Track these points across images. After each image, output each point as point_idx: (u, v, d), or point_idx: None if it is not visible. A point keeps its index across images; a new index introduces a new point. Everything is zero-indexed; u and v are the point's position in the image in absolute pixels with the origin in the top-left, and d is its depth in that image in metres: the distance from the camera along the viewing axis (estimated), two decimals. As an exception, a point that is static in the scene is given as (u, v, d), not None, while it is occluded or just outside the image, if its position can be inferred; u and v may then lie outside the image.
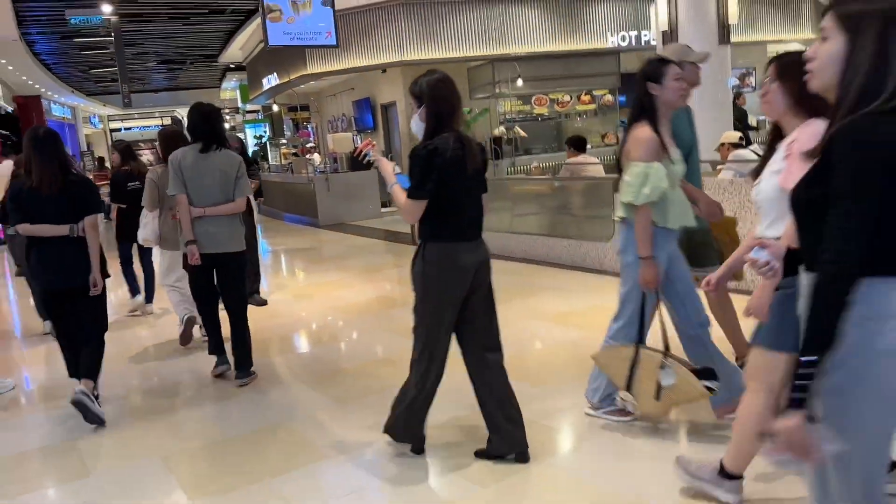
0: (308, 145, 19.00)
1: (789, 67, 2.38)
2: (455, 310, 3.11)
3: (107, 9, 12.76)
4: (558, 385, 4.21)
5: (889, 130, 1.42)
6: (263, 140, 25.92)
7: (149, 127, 37.28)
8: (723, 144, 6.74)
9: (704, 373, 3.18)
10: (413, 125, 3.10)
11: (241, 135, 28.41)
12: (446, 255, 3.03)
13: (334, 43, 9.58)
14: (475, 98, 13.90)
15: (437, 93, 3.01)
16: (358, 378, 4.67)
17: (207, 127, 4.57)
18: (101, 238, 4.21)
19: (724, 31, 8.00)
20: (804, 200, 1.57)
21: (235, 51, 19.55)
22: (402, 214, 3.07)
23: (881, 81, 1.44)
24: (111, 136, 36.42)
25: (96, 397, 4.16)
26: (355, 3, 12.67)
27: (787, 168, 2.27)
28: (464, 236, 3.07)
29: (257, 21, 13.09)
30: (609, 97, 14.26)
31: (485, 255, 3.16)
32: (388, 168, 3.21)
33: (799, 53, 2.37)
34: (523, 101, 13.89)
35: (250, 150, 22.65)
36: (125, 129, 37.06)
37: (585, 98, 14.15)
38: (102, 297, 4.24)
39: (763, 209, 2.47)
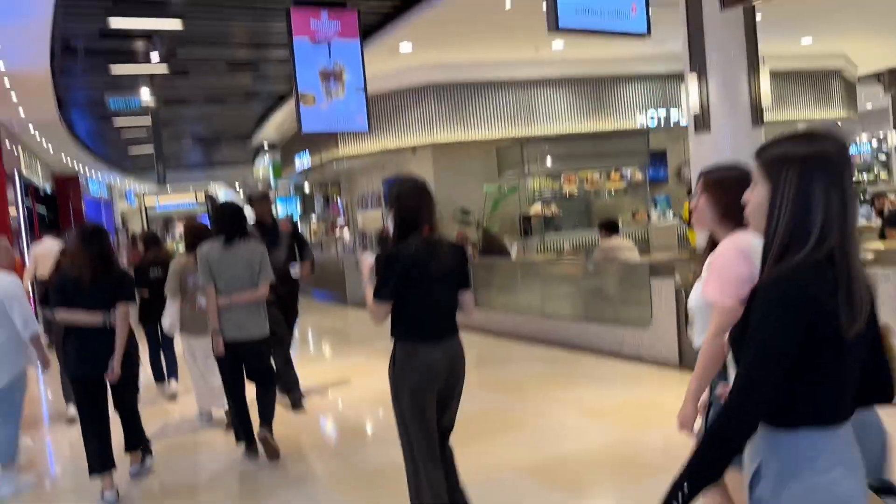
0: (338, 223, 19.16)
1: (716, 182, 2.46)
2: (429, 409, 3.16)
3: (146, 94, 13.18)
4: (598, 494, 3.92)
5: (810, 284, 1.39)
6: (294, 217, 26.23)
7: (183, 204, 38.38)
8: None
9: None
10: (390, 227, 3.26)
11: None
12: (411, 354, 3.14)
13: (366, 128, 9.67)
14: (504, 176, 13.93)
15: (403, 200, 3.21)
16: (388, 481, 4.32)
17: (231, 222, 4.93)
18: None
19: (756, 113, 7.90)
20: (734, 338, 1.53)
21: (269, 131, 20.02)
22: (369, 315, 3.19)
23: (805, 230, 1.43)
24: (146, 211, 37.46)
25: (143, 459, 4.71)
26: (386, 88, 12.92)
27: (706, 279, 2.35)
28: (430, 336, 3.16)
29: (291, 104, 13.46)
30: (639, 175, 14.20)
31: (456, 353, 3.24)
32: (366, 267, 3.28)
33: (728, 167, 2.48)
34: (553, 179, 13.88)
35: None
36: (160, 205, 38.13)
37: (615, 176, 14.11)
38: (131, 383, 4.54)
39: (695, 317, 2.50)
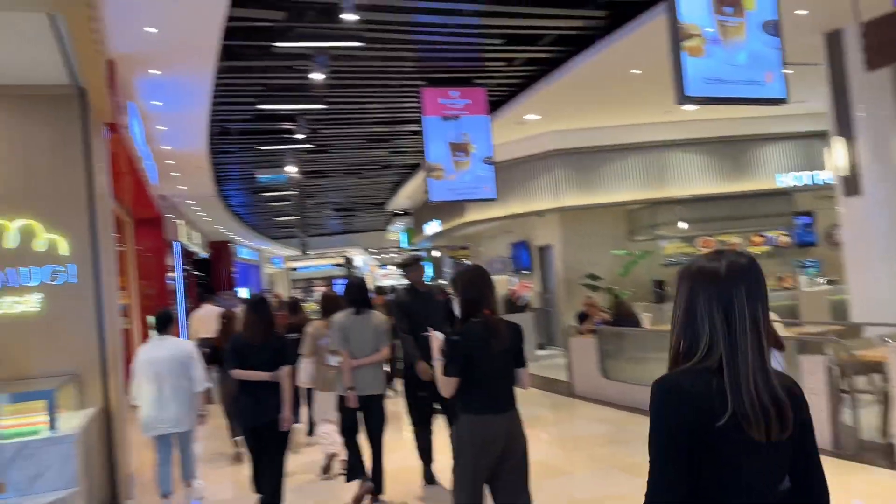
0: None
1: None
2: (484, 475, 3.49)
3: (291, 169, 14.15)
4: None
5: (687, 386, 1.46)
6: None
7: (323, 266, 40.48)
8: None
9: None
10: (455, 309, 3.62)
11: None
12: (473, 425, 3.49)
13: (493, 196, 9.89)
14: (635, 240, 13.58)
15: (466, 287, 3.59)
16: None
17: (359, 295, 5.64)
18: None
19: (917, 174, 7.28)
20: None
21: (402, 198, 20.78)
22: (440, 387, 3.55)
23: (695, 340, 1.51)
24: (290, 273, 39.79)
25: None
26: (512, 155, 13.14)
27: None
28: (491, 409, 3.50)
29: (422, 174, 13.96)
30: (785, 238, 13.36)
31: (514, 426, 3.56)
32: (437, 343, 3.60)
33: None
34: (687, 242, 13.36)
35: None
36: (302, 268, 40.43)
37: (757, 240, 13.37)
38: (289, 432, 5.26)
39: None
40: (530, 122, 11.96)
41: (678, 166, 13.16)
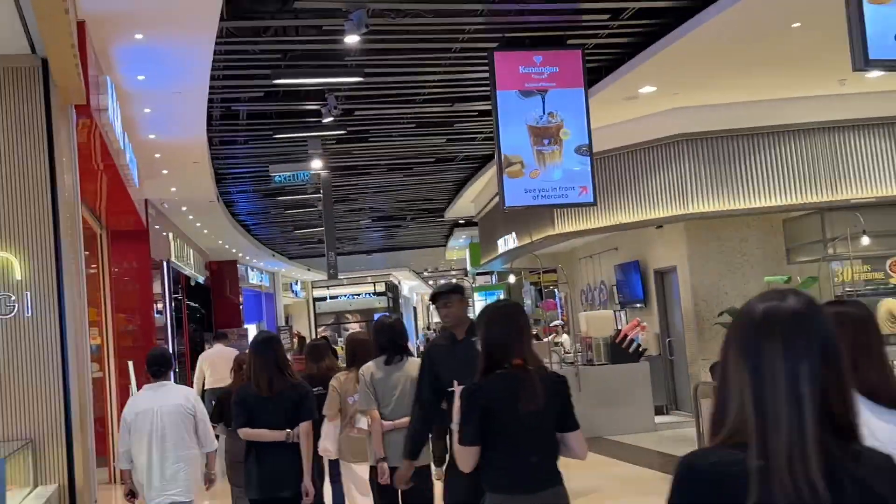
0: (553, 323, 19.21)
1: None
2: None
3: (316, 164, 14.35)
4: None
5: (716, 465, 1.53)
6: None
7: (358, 295, 40.85)
8: None
9: None
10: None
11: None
12: None
13: (591, 200, 9.75)
14: (795, 262, 13.27)
15: (491, 327, 3.75)
16: None
17: (392, 338, 5.77)
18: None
19: None
20: None
21: (466, 204, 20.88)
22: (457, 460, 3.73)
23: (722, 407, 1.59)
24: (315, 306, 40.25)
25: None
26: (618, 143, 13.08)
27: None
28: (521, 488, 3.59)
29: (493, 171, 13.91)
30: None
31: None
32: (457, 403, 3.76)
33: None
34: (872, 265, 12.99)
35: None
36: (331, 297, 40.88)
37: (972, 260, 12.87)
38: None
39: None
40: (644, 97, 11.83)
41: (857, 156, 12.82)
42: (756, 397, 1.51)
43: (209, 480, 6.21)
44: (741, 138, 12.82)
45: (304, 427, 5.47)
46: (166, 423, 5.69)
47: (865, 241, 12.59)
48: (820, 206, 12.80)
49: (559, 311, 21.73)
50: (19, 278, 5.95)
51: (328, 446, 6.59)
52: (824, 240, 12.84)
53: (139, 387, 10.94)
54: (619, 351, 13.61)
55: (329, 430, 6.54)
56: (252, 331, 26.50)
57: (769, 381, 1.51)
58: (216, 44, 8.19)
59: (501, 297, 28.93)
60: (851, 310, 2.57)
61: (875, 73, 11.12)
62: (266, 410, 5.47)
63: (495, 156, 8.26)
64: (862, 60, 5.28)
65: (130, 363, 12.81)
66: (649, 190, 13.15)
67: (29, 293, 5.97)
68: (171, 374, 6.32)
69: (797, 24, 9.06)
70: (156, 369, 5.99)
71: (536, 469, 3.60)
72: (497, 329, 3.73)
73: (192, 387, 8.77)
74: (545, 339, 17.46)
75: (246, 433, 5.50)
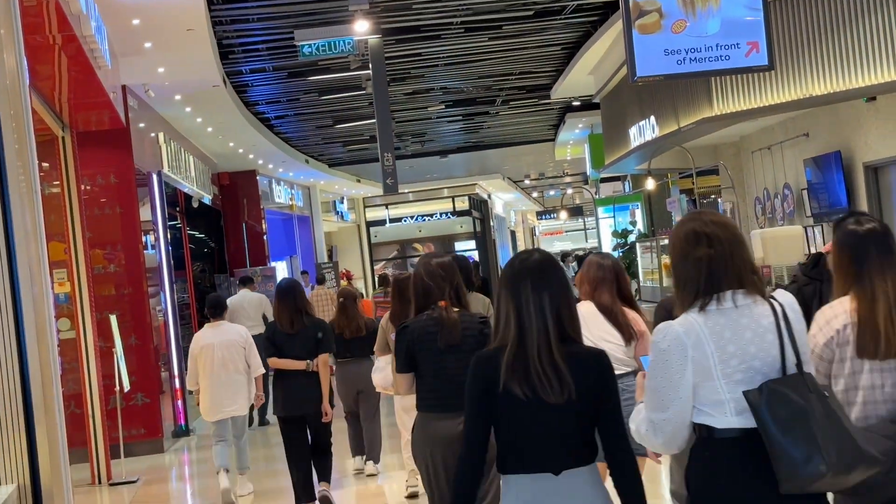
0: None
1: None
2: (442, 479, 5.91)
3: (360, 26, 14.27)
4: None
5: (485, 361, 3.95)
6: (631, 238, 26.52)
7: (430, 216, 40.88)
8: None
9: None
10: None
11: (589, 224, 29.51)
12: (422, 424, 6.11)
13: (765, 62, 9.46)
14: None
15: (419, 276, 6.41)
16: None
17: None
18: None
19: None
20: None
21: (582, 77, 20.67)
22: (395, 386, 6.75)
23: (496, 325, 4.10)
24: (369, 232, 40.43)
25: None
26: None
27: None
28: (440, 408, 5.95)
29: (618, 26, 13.64)
30: None
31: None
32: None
33: None
34: None
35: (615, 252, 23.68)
36: (391, 219, 41.02)
37: None
38: (329, 422, 9.51)
39: None
40: None
41: None
42: (517, 317, 3.73)
43: (257, 398, 10.90)
44: None
45: (322, 358, 9.13)
46: (224, 354, 10.28)
47: None
48: None
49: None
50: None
51: (380, 381, 8.93)
52: None
53: (126, 351, 11.82)
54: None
55: (381, 364, 8.96)
56: (281, 269, 26.82)
57: (525, 307, 3.77)
58: None
59: (637, 212, 28.73)
60: (601, 260, 7.70)
61: None
62: (290, 344, 9.21)
63: (621, 2, 7.90)
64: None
65: (113, 318, 13.07)
66: (855, 46, 12.83)
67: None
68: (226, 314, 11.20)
69: None
70: (213, 311, 10.81)
71: (458, 394, 4.64)
72: (430, 276, 6.25)
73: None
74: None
75: (273, 362, 9.20)
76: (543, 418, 3.73)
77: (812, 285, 6.16)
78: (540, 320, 3.67)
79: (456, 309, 6.20)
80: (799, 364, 3.84)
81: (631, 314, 7.28)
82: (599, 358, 3.93)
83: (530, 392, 3.63)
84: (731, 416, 3.75)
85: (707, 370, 3.74)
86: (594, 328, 6.99)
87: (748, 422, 3.68)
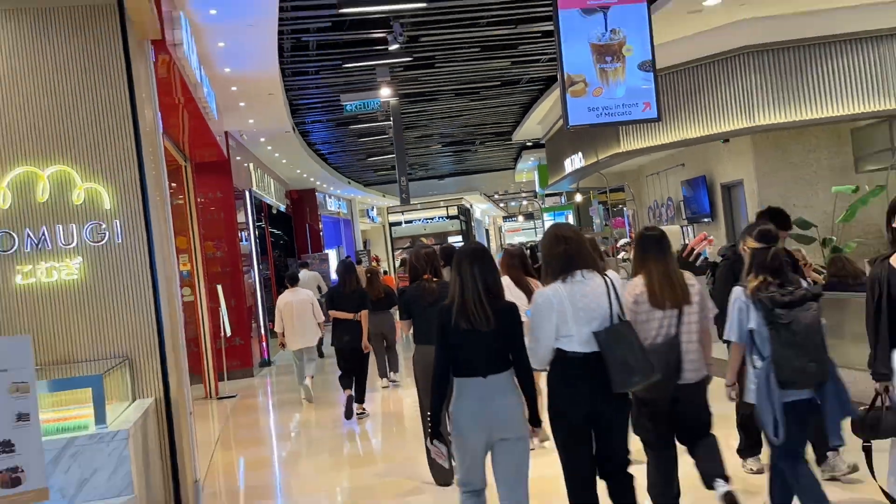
0: (621, 242, 19.06)
1: None
2: (427, 398, 5.97)
3: (385, 92, 14.34)
4: None
5: (444, 311, 4.85)
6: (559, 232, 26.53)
7: (432, 219, 41.12)
8: None
9: None
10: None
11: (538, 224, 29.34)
12: (417, 351, 6.82)
13: (654, 116, 9.48)
14: (863, 171, 12.92)
15: (411, 261, 7.31)
16: None
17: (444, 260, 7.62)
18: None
19: None
20: None
21: (533, 126, 20.69)
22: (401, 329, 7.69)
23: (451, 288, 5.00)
24: (390, 230, 40.68)
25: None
26: (684, 59, 12.76)
27: None
28: (426, 341, 6.39)
29: (550, 99, 13.68)
30: None
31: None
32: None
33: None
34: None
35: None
36: (405, 222, 41.24)
37: None
38: (366, 357, 10.40)
39: None
40: (709, 9, 11.46)
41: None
42: (461, 283, 4.58)
43: (320, 338, 12.10)
44: (807, 48, 12.37)
45: (363, 312, 10.14)
46: (299, 308, 11.31)
47: None
48: (888, 113, 12.34)
49: (627, 228, 21.51)
50: (108, 207, 6.07)
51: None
52: (893, 148, 12.43)
53: (235, 317, 13.74)
54: (686, 264, 13.32)
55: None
56: (332, 255, 26.92)
57: (467, 278, 4.58)
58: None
59: (570, 217, 28.82)
60: (512, 250, 8.00)
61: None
62: (344, 302, 10.25)
63: (558, 75, 7.96)
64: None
65: (219, 287, 13.27)
66: (715, 104, 12.82)
67: (118, 221, 6.08)
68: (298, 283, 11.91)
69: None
70: (291, 281, 11.84)
71: (431, 332, 5.29)
72: (420, 260, 7.03)
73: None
74: (618, 256, 17.42)
75: (332, 313, 10.30)
76: (477, 341, 4.61)
77: (738, 262, 5.94)
78: (474, 284, 4.66)
79: (435, 279, 6.94)
80: (621, 314, 4.75)
81: (534, 283, 7.24)
82: (511, 307, 4.84)
83: (469, 325, 4.57)
84: (577, 345, 4.65)
85: (564, 317, 4.65)
86: (509, 292, 6.66)
87: (587, 348, 4.63)
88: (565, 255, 4.83)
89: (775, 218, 6.74)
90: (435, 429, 4.91)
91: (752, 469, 6.48)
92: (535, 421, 4.80)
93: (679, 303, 5.20)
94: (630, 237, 19.49)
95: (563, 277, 4.78)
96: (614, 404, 4.78)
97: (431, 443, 4.90)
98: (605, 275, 4.91)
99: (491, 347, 4.65)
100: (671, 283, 5.27)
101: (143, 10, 6.09)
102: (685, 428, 5.49)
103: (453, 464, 5.28)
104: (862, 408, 4.91)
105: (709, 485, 5.07)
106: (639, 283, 5.23)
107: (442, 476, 6.86)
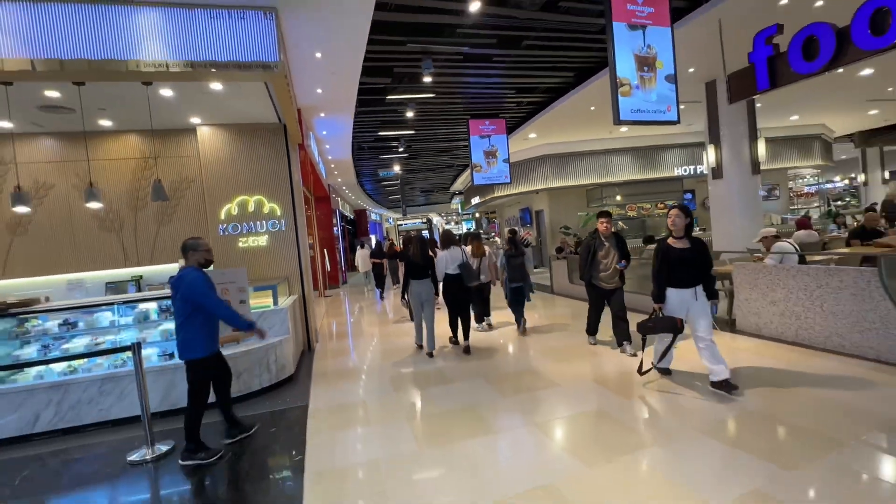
0: (493, 236, 19.12)
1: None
2: (418, 306, 5.19)
3: (397, 168, 14.11)
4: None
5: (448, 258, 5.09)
6: (472, 230, 26.42)
7: (415, 222, 40.52)
8: (765, 237, 5.35)
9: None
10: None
11: (457, 228, 29.10)
12: (410, 284, 5.17)
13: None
14: (590, 207, 13.12)
15: (406, 242, 6.71)
16: (516, 379, 4.32)
17: (446, 239, 5.50)
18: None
19: (755, 166, 6.75)
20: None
21: (458, 183, 20.44)
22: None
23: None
24: (397, 227, 39.99)
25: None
26: (521, 158, 12.65)
27: None
28: (420, 278, 5.13)
29: (467, 172, 13.45)
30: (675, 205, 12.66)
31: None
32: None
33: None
34: (621, 207, 12.86)
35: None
36: (403, 223, 40.59)
37: (660, 206, 12.71)
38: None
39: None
40: (531, 139, 11.52)
41: (617, 163, 12.50)
42: (419, 248, 4.74)
43: (367, 271, 10.42)
44: (570, 155, 12.35)
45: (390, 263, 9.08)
46: (362, 256, 10.62)
47: (618, 198, 12.24)
48: (600, 184, 12.32)
49: (496, 229, 21.53)
50: (279, 214, 5.97)
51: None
52: (602, 197, 12.45)
53: (331, 262, 11.76)
54: (519, 245, 13.49)
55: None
56: (373, 238, 26.51)
57: (417, 246, 4.76)
58: (355, 117, 7.96)
59: (473, 225, 28.61)
60: (473, 238, 5.84)
61: (623, 128, 10.79)
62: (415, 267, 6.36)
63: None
64: (617, 120, 5.13)
65: (325, 251, 12.97)
66: (533, 177, 12.77)
67: (283, 221, 5.97)
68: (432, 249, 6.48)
69: (593, 108, 8.76)
70: (360, 244, 10.54)
71: (417, 274, 5.12)
72: (412, 242, 5.24)
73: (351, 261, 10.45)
74: (494, 240, 17.35)
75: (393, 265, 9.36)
76: (420, 268, 4.89)
77: (595, 241, 4.97)
78: (420, 248, 4.90)
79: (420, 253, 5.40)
80: (465, 260, 5.13)
81: (481, 248, 5.93)
82: (430, 258, 5.06)
83: (418, 262, 4.81)
84: (451, 271, 5.01)
85: (447, 262, 5.04)
86: (456, 252, 5.43)
87: (454, 272, 4.95)
88: (446, 239, 5.38)
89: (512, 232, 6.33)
90: (404, 293, 5.26)
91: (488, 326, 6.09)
92: (437, 294, 5.30)
93: (480, 255, 5.75)
94: (496, 233, 19.48)
95: (445, 247, 5.33)
96: (464, 292, 5.22)
97: (403, 298, 5.27)
98: (462, 247, 5.35)
99: (423, 270, 5.06)
100: (479, 248, 5.81)
101: (294, 130, 5.96)
102: (483, 300, 6.14)
103: (412, 311, 5.45)
104: (643, 318, 3.96)
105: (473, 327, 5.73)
106: (468, 250, 5.70)
107: (410, 315, 6.48)
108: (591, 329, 5.09)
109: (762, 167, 6.91)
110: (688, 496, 2.42)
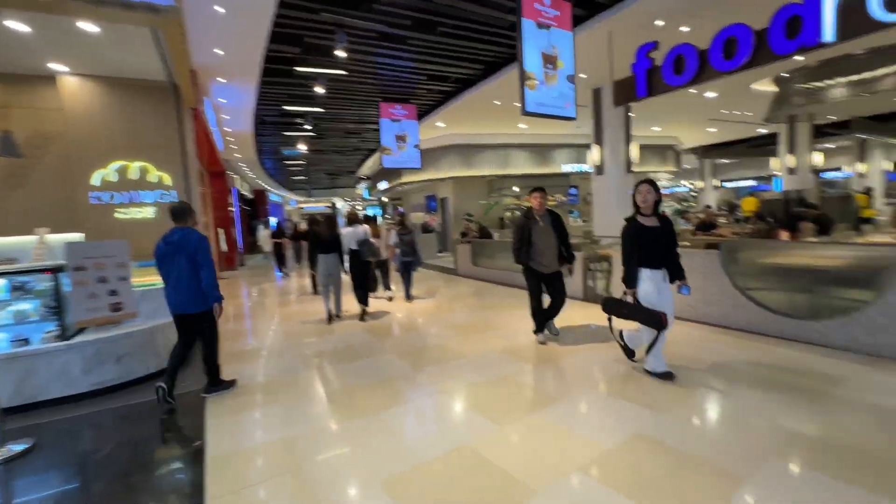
0: (397, 219, 18.92)
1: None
2: (326, 274, 5.22)
3: (302, 147, 13.14)
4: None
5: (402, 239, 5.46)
6: (377, 215, 25.92)
7: (318, 207, 38.30)
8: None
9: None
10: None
11: (362, 211, 28.53)
12: (353, 259, 5.34)
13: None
14: (491, 196, 13.70)
15: (312, 220, 6.40)
16: (425, 353, 4.36)
17: (351, 219, 5.93)
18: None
19: (628, 166, 7.77)
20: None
21: (365, 169, 19.79)
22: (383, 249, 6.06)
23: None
24: (300, 210, 37.37)
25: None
26: (430, 146, 12.63)
27: None
28: (324, 251, 5.19)
29: (374, 157, 13.09)
30: (563, 198, 13.99)
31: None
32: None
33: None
34: (517, 198, 13.73)
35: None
36: (307, 207, 38.08)
37: (551, 198, 13.86)
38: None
39: None
40: (439, 128, 11.58)
41: (516, 157, 13.20)
42: (326, 227, 4.80)
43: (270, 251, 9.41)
44: (475, 147, 12.68)
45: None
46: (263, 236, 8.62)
47: (515, 189, 13.02)
48: (501, 175, 12.86)
49: (401, 214, 21.26)
50: (170, 184, 5.21)
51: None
52: (502, 188, 13.13)
53: (228, 243, 10.57)
54: (426, 229, 13.70)
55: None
56: (272, 220, 24.46)
57: (324, 226, 4.44)
58: (259, 88, 7.21)
59: (381, 211, 28.02)
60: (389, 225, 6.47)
61: (524, 126, 11.48)
62: (324, 244, 5.43)
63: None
64: (524, 112, 5.36)
65: (221, 231, 11.63)
66: (440, 165, 12.77)
67: (175, 192, 5.23)
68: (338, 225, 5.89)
69: (498, 102, 9.10)
70: (341, 223, 6.62)
71: (365, 251, 5.33)
72: (326, 223, 5.37)
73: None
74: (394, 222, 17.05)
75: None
76: (330, 245, 4.91)
77: (530, 221, 4.16)
78: (326, 227, 4.95)
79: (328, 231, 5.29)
80: (367, 237, 5.50)
81: (376, 230, 6.36)
82: (337, 234, 5.10)
83: (325, 237, 4.78)
84: (354, 246, 5.07)
85: (351, 238, 4.99)
86: (359, 230, 5.73)
87: (355, 247, 5.27)
88: (351, 219, 5.68)
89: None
90: (312, 266, 5.39)
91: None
92: (345, 272, 5.36)
93: (377, 235, 6.08)
94: (401, 219, 19.33)
95: (350, 224, 5.59)
96: (362, 265, 5.43)
97: (312, 268, 5.36)
98: (365, 226, 5.66)
99: (332, 246, 5.12)
100: (374, 230, 6.14)
101: (188, 92, 5.21)
102: (384, 273, 6.54)
103: (317, 283, 6.07)
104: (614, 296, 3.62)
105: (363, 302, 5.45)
106: (369, 230, 5.82)
107: (315, 288, 7.17)
108: (539, 323, 4.07)
109: (633, 168, 7.88)
110: (586, 442, 2.63)
